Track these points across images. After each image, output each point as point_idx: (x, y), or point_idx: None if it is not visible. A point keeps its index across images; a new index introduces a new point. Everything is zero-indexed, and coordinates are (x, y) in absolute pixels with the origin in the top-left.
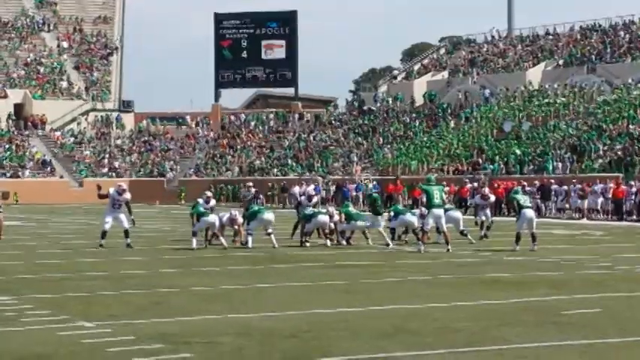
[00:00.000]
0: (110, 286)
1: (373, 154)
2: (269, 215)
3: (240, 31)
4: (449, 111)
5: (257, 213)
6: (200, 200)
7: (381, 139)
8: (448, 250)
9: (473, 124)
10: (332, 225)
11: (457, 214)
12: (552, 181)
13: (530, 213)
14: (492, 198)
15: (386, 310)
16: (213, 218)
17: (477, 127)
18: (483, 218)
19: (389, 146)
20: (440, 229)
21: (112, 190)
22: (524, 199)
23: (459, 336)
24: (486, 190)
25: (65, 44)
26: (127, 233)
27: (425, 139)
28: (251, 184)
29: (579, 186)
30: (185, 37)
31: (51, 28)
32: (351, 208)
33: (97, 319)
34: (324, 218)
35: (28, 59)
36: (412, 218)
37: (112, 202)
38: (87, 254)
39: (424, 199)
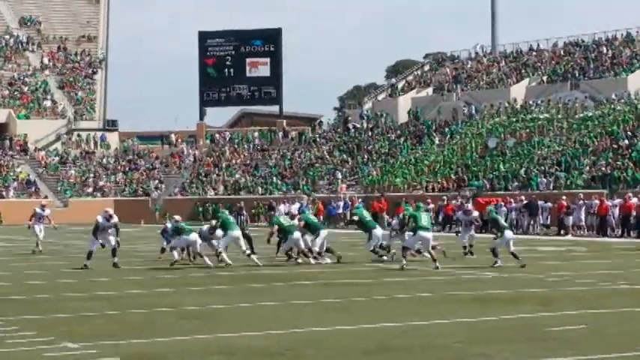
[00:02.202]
0: (96, 307)
1: (358, 171)
2: (236, 232)
3: (225, 48)
4: (433, 128)
5: (228, 228)
6: (169, 224)
7: (366, 157)
8: (437, 267)
9: (457, 141)
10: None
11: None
12: (534, 197)
13: (510, 234)
14: (475, 214)
15: (371, 328)
16: (194, 237)
17: (461, 144)
18: (465, 240)
19: (374, 163)
20: (425, 251)
21: (100, 219)
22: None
23: (443, 353)
24: (469, 205)
25: (48, 62)
26: (114, 252)
27: (410, 156)
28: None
29: (564, 202)
30: (169, 55)
31: (35, 47)
32: (283, 220)
33: (82, 340)
34: (297, 235)
35: (12, 78)
36: (379, 232)
37: (102, 228)
38: (72, 275)
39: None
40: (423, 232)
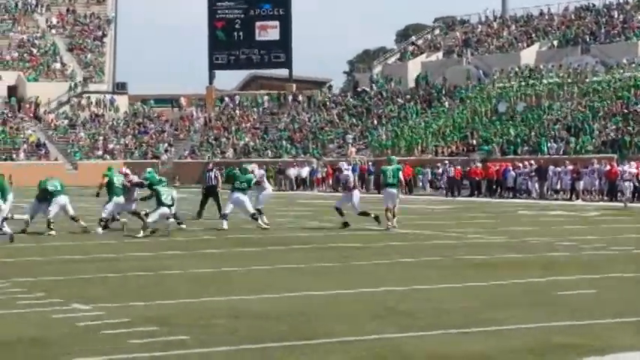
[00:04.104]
0: (106, 269)
1: (368, 135)
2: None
3: (234, 12)
4: (443, 92)
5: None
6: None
7: (375, 121)
8: (394, 226)
9: (467, 105)
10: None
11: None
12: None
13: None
14: None
15: (378, 293)
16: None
17: (471, 108)
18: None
19: (383, 128)
20: (389, 207)
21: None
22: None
23: (452, 318)
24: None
25: (57, 24)
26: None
27: (419, 120)
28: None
29: (571, 167)
30: (178, 19)
31: (43, 9)
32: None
33: (91, 302)
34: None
35: (21, 41)
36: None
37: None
38: (83, 237)
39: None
40: (390, 188)
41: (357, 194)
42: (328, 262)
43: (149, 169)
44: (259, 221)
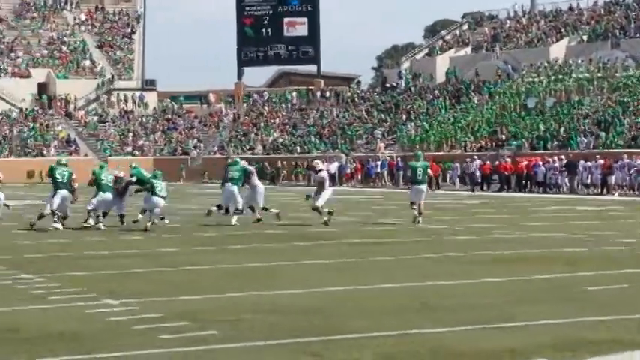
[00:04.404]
0: (137, 264)
1: (397, 131)
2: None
3: (262, 8)
4: (472, 87)
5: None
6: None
7: (404, 116)
8: (419, 221)
9: (496, 101)
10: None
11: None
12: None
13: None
14: None
15: (404, 288)
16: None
17: (500, 104)
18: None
19: (412, 123)
20: (416, 203)
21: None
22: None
23: (478, 313)
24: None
25: (86, 21)
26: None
27: (448, 115)
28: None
29: (602, 162)
30: (207, 16)
31: (73, 6)
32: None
33: (124, 297)
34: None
35: (51, 38)
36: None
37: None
38: (108, 233)
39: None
40: (418, 185)
41: (329, 192)
42: (354, 257)
43: (134, 165)
44: (255, 213)
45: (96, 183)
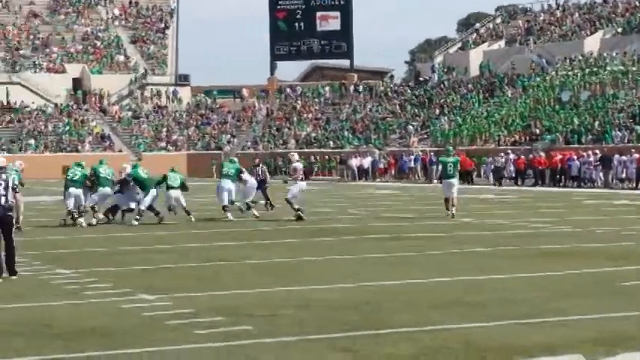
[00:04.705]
0: (169, 259)
1: (430, 125)
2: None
3: (295, 2)
4: (506, 81)
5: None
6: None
7: (437, 110)
8: (453, 215)
9: (530, 94)
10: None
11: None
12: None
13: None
14: None
15: (445, 282)
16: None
17: (534, 97)
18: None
19: (445, 117)
20: (449, 197)
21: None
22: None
23: (519, 307)
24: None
25: (120, 16)
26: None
27: (482, 109)
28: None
29: (637, 155)
30: (240, 10)
31: (107, 1)
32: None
33: (157, 292)
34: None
35: (85, 34)
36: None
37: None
38: (140, 228)
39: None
40: (449, 179)
41: (301, 185)
42: (399, 251)
43: (133, 164)
44: (252, 211)
45: (96, 178)
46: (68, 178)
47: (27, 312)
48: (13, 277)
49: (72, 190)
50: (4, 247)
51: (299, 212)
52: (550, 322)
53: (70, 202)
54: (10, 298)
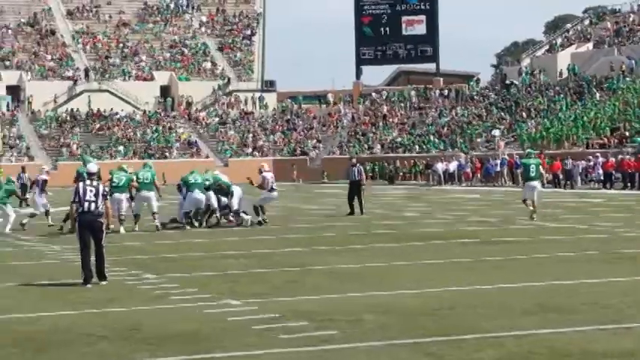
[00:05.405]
0: (252, 265)
1: (517, 128)
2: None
3: (380, 7)
4: (594, 83)
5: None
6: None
7: (524, 114)
8: (533, 218)
9: (619, 97)
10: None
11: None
12: None
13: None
14: None
15: (531, 287)
16: (200, 196)
17: (623, 100)
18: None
19: (532, 121)
20: (530, 199)
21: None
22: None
23: (608, 312)
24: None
25: (207, 24)
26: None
27: (570, 112)
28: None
29: None
30: (325, 14)
31: (194, 9)
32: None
33: (242, 297)
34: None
35: (173, 41)
36: None
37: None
38: (224, 234)
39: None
40: (531, 181)
41: (272, 195)
42: (486, 256)
43: (144, 168)
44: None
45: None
46: (113, 185)
47: (116, 316)
48: (103, 282)
49: (116, 195)
50: (95, 253)
51: (261, 220)
52: (638, 327)
53: (115, 209)
54: (101, 303)
